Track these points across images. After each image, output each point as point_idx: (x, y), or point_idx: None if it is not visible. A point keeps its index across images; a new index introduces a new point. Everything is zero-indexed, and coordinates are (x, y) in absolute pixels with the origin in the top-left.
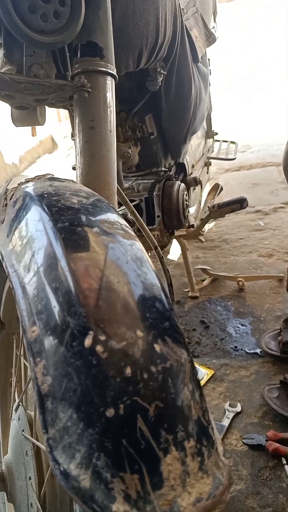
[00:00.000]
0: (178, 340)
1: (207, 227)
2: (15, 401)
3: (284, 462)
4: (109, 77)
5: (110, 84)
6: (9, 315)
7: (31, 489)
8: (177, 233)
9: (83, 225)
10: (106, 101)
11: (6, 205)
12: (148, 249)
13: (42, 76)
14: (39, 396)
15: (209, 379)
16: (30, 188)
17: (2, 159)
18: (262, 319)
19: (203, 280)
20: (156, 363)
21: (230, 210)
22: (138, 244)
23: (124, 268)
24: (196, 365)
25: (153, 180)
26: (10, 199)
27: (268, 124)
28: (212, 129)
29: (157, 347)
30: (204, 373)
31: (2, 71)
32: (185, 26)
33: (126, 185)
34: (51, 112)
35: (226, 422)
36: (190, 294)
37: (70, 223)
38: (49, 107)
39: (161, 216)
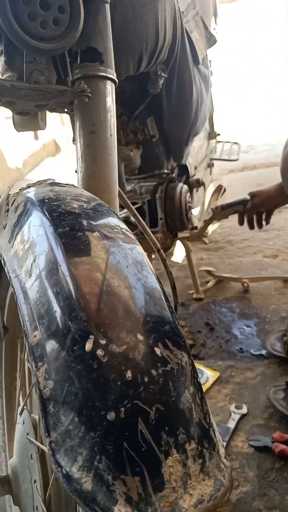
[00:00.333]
0: (179, 343)
1: (211, 228)
2: (19, 404)
3: None
4: (109, 81)
5: (110, 89)
6: (13, 319)
7: (36, 492)
8: (180, 235)
9: (84, 230)
10: (107, 106)
11: (8, 211)
12: (151, 251)
13: (42, 82)
14: (41, 400)
15: (215, 381)
16: (31, 193)
17: (5, 164)
18: (267, 320)
19: (208, 282)
20: (157, 366)
21: (233, 211)
22: (139, 248)
23: (125, 272)
24: (202, 368)
25: (156, 183)
26: (12, 204)
27: (271, 124)
28: (215, 130)
29: (157, 351)
30: (209, 375)
31: (3, 78)
32: (185, 29)
33: (128, 188)
34: (53, 116)
35: (232, 424)
36: (194, 296)
37: (71, 228)
38: (50, 112)
39: (164, 218)
